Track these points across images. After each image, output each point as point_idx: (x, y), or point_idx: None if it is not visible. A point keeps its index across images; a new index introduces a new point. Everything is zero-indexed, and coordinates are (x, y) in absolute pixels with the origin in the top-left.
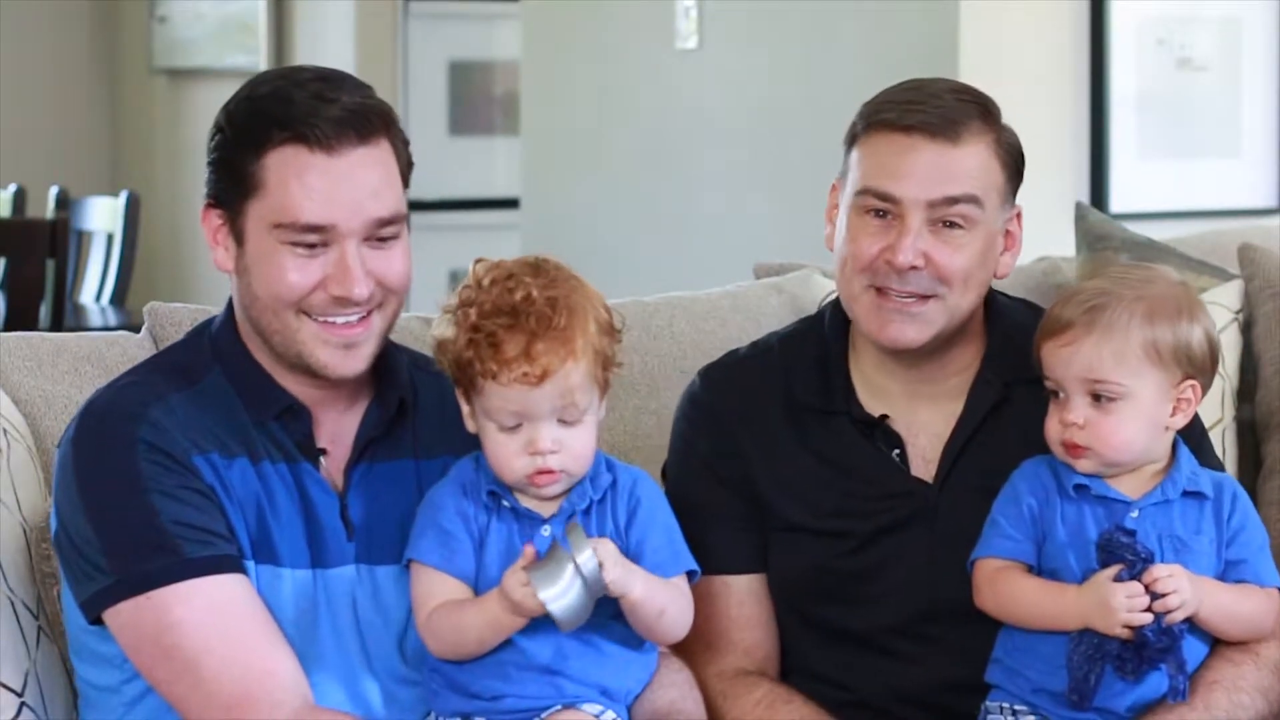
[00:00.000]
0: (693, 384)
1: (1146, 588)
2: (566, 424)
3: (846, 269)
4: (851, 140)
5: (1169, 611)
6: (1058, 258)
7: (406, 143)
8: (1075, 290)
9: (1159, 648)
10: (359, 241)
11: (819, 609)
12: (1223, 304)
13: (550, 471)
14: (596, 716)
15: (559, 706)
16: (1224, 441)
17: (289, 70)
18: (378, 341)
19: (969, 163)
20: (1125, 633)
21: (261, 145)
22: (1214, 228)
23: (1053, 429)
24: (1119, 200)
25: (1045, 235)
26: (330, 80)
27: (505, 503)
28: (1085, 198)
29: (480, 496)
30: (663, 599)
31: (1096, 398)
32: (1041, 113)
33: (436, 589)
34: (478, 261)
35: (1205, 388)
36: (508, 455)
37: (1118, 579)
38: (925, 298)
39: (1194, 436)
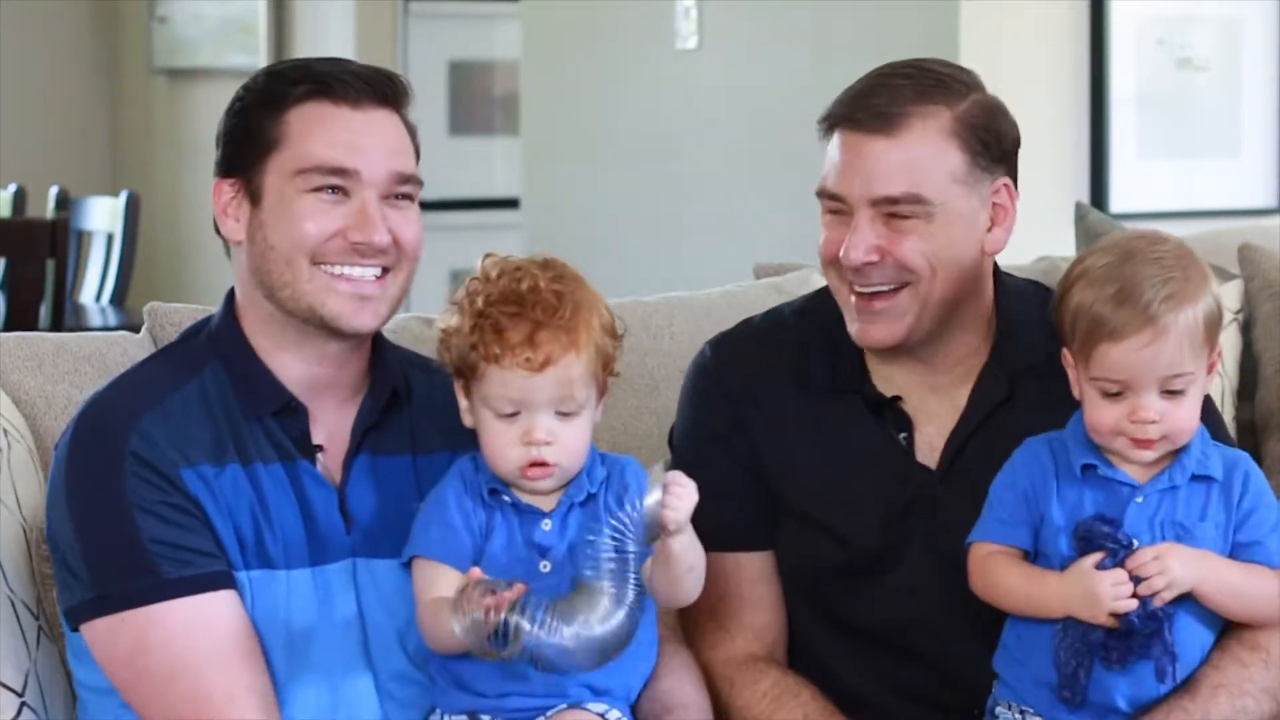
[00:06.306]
0: (702, 353)
1: (1131, 574)
2: (563, 416)
3: (823, 263)
4: (822, 136)
5: (1155, 594)
6: (1058, 258)
7: (414, 131)
8: (1103, 281)
9: (1145, 633)
10: (379, 195)
11: (823, 599)
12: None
13: (544, 464)
14: (601, 715)
15: (564, 705)
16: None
17: (303, 59)
18: (390, 306)
19: (913, 152)
20: (1110, 621)
21: (283, 103)
22: (1214, 228)
23: (1110, 423)
24: (1119, 200)
25: (1045, 235)
26: (343, 59)
27: (506, 498)
28: (1085, 198)
29: (481, 494)
30: (696, 554)
31: (1168, 390)
32: (1041, 113)
33: (438, 581)
34: (486, 256)
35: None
36: (503, 445)
37: (1099, 567)
38: (895, 290)
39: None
